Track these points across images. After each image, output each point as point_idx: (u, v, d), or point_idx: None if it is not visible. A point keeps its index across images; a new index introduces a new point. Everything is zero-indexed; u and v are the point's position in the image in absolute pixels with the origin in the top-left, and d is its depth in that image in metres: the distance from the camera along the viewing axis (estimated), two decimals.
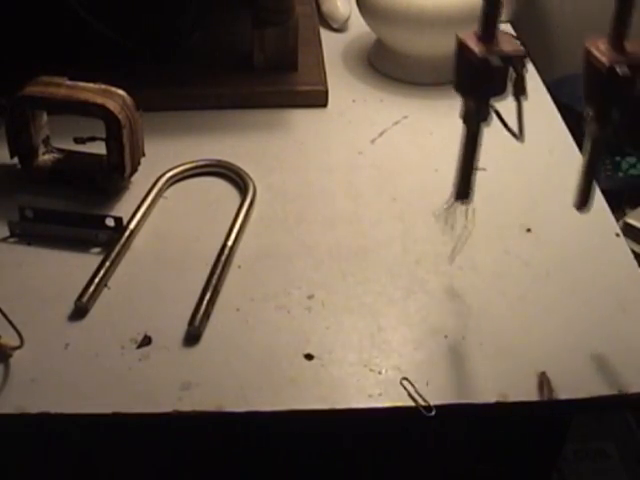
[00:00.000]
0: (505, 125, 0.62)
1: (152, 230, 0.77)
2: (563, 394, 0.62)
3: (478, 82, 0.59)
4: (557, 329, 0.68)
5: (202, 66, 0.97)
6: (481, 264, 0.74)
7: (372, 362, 0.64)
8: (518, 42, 0.59)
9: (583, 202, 0.67)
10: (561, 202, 0.82)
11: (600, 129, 0.63)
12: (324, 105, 0.95)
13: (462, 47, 0.58)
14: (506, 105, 0.62)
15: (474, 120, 0.62)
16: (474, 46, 0.58)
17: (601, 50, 0.59)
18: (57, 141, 0.84)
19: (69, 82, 0.78)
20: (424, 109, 0.94)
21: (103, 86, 0.78)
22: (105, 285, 0.70)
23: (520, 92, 0.59)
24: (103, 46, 0.92)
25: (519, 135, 0.61)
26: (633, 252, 0.76)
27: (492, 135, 0.91)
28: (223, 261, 0.71)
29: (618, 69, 0.58)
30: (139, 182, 0.81)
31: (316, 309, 0.69)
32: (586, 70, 0.61)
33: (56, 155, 0.84)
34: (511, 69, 0.59)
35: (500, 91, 0.60)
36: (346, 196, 0.81)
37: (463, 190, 0.65)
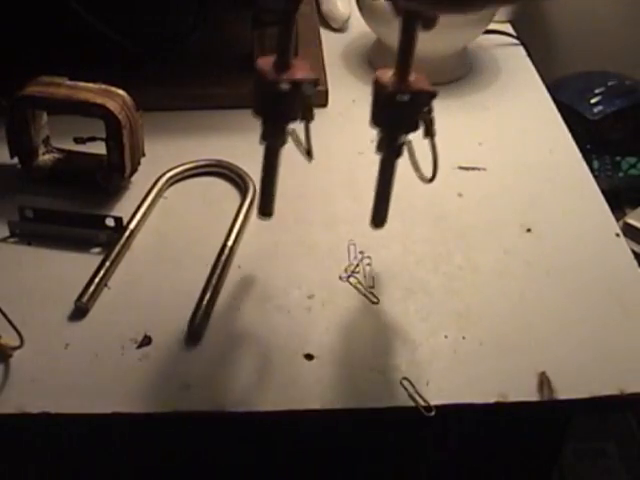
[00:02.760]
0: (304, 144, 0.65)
1: (152, 230, 0.77)
2: (563, 394, 0.62)
3: (270, 107, 0.61)
4: (557, 329, 0.68)
5: (202, 66, 0.97)
6: (481, 264, 0.74)
7: (372, 362, 0.64)
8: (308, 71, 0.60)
9: (379, 221, 0.69)
10: (561, 202, 0.82)
11: (391, 152, 0.65)
12: (324, 105, 0.95)
13: (259, 72, 0.60)
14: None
15: (271, 143, 0.63)
16: (268, 71, 0.60)
17: (386, 79, 0.62)
18: (57, 141, 0.84)
19: (69, 82, 0.78)
20: None
21: (103, 86, 0.78)
22: (105, 285, 0.70)
23: (308, 116, 0.62)
24: (103, 46, 0.92)
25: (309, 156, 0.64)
26: (633, 252, 0.76)
27: (492, 135, 0.92)
28: (223, 261, 0.71)
29: (398, 97, 0.61)
30: (139, 182, 0.81)
31: (316, 309, 0.69)
32: (374, 96, 0.63)
33: (56, 155, 0.84)
34: None
35: (293, 117, 0.62)
36: (346, 196, 0.81)
37: (262, 205, 0.67)
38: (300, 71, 0.60)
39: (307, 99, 0.61)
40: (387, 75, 0.63)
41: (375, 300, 0.70)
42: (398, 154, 0.65)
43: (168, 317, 0.67)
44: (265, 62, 0.60)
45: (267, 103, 0.61)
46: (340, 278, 0.72)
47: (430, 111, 0.63)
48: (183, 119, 0.91)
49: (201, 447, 0.69)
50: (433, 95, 0.63)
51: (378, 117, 0.64)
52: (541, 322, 0.68)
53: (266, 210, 0.67)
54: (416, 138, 0.63)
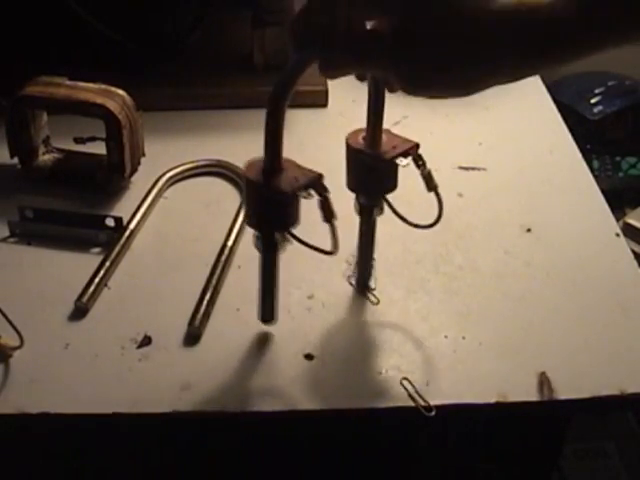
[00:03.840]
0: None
1: (152, 230, 0.77)
2: (563, 394, 0.62)
3: (273, 213, 0.58)
4: (557, 329, 0.68)
5: (202, 66, 0.97)
6: (481, 264, 0.74)
7: (372, 362, 0.64)
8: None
9: (365, 280, 0.69)
10: (561, 202, 0.82)
11: (372, 214, 0.66)
12: (324, 105, 0.95)
13: (248, 181, 0.57)
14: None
15: (269, 253, 0.61)
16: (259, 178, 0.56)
17: (361, 143, 0.62)
18: (57, 141, 0.84)
19: (69, 82, 0.78)
20: (424, 109, 0.94)
21: (103, 86, 0.78)
22: (105, 285, 0.70)
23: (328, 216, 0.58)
24: (103, 46, 0.92)
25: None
26: (633, 252, 0.76)
27: (492, 135, 0.92)
28: (223, 261, 0.71)
29: (399, 162, 0.61)
30: (139, 182, 0.81)
31: (316, 309, 0.69)
32: (351, 163, 0.63)
33: (56, 155, 0.84)
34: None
35: (292, 222, 0.59)
36: (346, 196, 0.81)
37: (264, 313, 0.64)
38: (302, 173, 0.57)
39: (325, 200, 0.58)
40: (358, 138, 0.62)
41: (375, 300, 0.70)
42: (381, 212, 0.65)
43: (168, 317, 0.67)
44: (250, 168, 0.57)
45: (270, 209, 0.58)
46: (341, 278, 0.72)
47: (425, 166, 0.62)
48: (183, 119, 0.91)
49: (201, 447, 0.69)
50: (416, 147, 0.62)
51: (358, 182, 0.64)
52: (541, 322, 0.68)
53: (269, 317, 0.65)
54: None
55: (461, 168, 0.86)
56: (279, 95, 0.54)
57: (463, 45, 0.47)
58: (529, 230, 0.78)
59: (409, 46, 0.48)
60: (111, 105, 0.76)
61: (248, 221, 0.60)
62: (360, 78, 0.58)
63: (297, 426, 0.65)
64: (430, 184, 0.63)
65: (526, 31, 0.46)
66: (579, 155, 0.89)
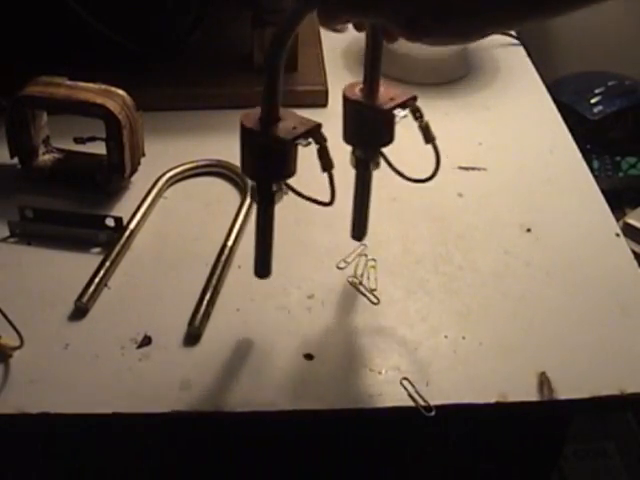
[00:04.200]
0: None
1: (152, 230, 0.77)
2: (563, 394, 0.62)
3: (263, 162, 0.58)
4: (557, 329, 0.68)
5: (202, 66, 0.97)
6: (481, 264, 0.74)
7: (372, 362, 0.64)
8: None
9: (360, 234, 0.70)
10: (561, 202, 0.82)
11: (368, 167, 0.65)
12: (324, 105, 0.94)
13: (244, 130, 0.57)
14: None
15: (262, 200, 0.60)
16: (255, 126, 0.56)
17: (361, 96, 0.61)
18: (57, 141, 0.84)
19: (69, 82, 0.78)
20: (424, 109, 0.94)
21: (103, 86, 0.78)
22: (105, 285, 0.70)
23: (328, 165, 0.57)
24: (103, 46, 0.92)
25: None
26: (633, 252, 0.76)
27: (492, 135, 0.91)
28: (223, 261, 0.71)
29: (396, 113, 0.60)
30: (139, 182, 0.81)
31: (316, 309, 0.69)
32: (350, 117, 0.62)
33: (56, 155, 0.84)
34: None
35: (289, 172, 0.58)
36: (346, 196, 0.81)
37: (260, 268, 0.64)
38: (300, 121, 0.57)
39: (324, 149, 0.57)
40: (355, 90, 0.61)
41: (375, 300, 0.70)
42: (377, 166, 0.65)
43: (168, 317, 0.67)
44: (250, 118, 0.57)
45: (267, 158, 0.57)
46: (351, 279, 0.72)
47: (422, 117, 0.62)
48: (183, 119, 0.91)
49: (201, 447, 0.69)
50: (414, 99, 0.61)
51: (355, 135, 0.63)
52: (541, 322, 0.68)
53: (264, 272, 0.64)
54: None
55: (461, 168, 0.86)
56: (278, 43, 0.53)
57: None
58: (529, 230, 0.78)
59: None
60: (111, 105, 0.76)
61: (244, 170, 0.59)
62: (358, 28, 0.58)
63: (297, 426, 0.65)
64: (428, 136, 0.62)
65: None
66: (579, 155, 0.89)
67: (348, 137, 0.64)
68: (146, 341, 0.65)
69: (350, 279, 0.71)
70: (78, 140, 0.82)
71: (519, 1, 0.48)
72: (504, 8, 0.48)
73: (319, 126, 0.56)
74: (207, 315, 0.67)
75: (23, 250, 0.74)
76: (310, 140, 0.56)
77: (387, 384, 0.62)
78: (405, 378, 0.62)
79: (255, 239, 0.62)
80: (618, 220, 0.95)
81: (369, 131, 0.63)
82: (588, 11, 0.50)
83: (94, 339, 0.65)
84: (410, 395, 0.61)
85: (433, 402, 0.61)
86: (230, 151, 0.85)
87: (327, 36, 1.09)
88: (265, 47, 0.95)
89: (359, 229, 0.70)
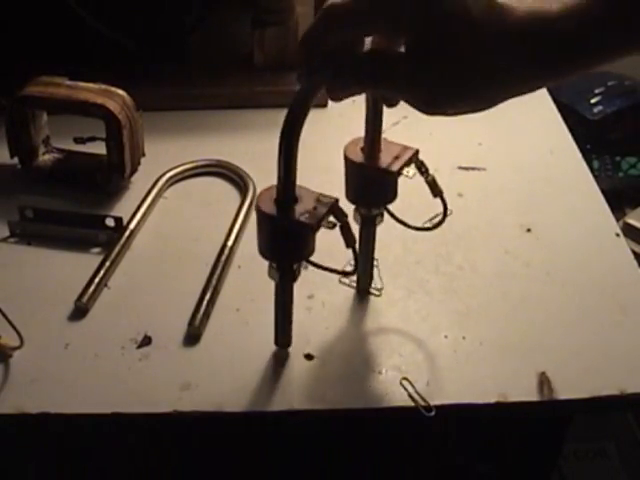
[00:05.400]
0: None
1: (152, 230, 0.77)
2: (563, 394, 0.62)
3: (284, 244, 0.56)
4: (557, 329, 0.68)
5: (202, 66, 0.97)
6: (481, 264, 0.74)
7: (372, 362, 0.64)
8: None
9: (365, 285, 0.69)
10: (561, 202, 0.82)
11: (372, 223, 0.65)
12: (324, 105, 0.94)
13: (262, 214, 0.54)
14: None
15: (284, 283, 0.60)
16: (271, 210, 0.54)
17: (360, 155, 0.60)
18: (57, 141, 0.84)
19: (69, 82, 0.78)
20: None
21: (103, 86, 0.78)
22: (105, 285, 0.70)
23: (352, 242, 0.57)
24: (103, 46, 0.92)
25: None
26: (633, 252, 0.76)
27: (492, 135, 0.91)
28: (223, 261, 0.71)
29: (405, 174, 0.60)
30: (139, 182, 0.81)
31: (316, 309, 0.69)
32: (350, 175, 0.62)
33: (56, 155, 0.84)
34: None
35: (310, 252, 0.57)
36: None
37: (281, 338, 0.64)
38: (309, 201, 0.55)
39: (346, 226, 0.56)
40: (357, 150, 0.60)
41: (377, 293, 0.70)
42: (381, 221, 0.65)
43: (168, 317, 0.67)
44: (266, 199, 0.55)
45: (287, 241, 0.56)
46: (344, 279, 0.72)
47: (428, 172, 0.61)
48: (183, 119, 0.91)
49: (201, 447, 0.69)
50: (417, 154, 0.61)
51: (358, 194, 0.62)
52: (541, 322, 0.68)
53: (285, 342, 0.64)
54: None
55: (461, 168, 0.86)
56: (292, 123, 0.51)
57: (480, 62, 0.46)
58: (529, 230, 0.78)
59: (425, 65, 0.47)
60: (111, 105, 0.76)
61: (262, 252, 0.57)
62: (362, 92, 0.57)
63: (297, 426, 0.65)
64: (435, 190, 0.62)
65: (541, 43, 0.46)
66: (579, 155, 0.88)
67: (351, 196, 0.63)
68: (146, 341, 0.65)
69: (348, 277, 0.71)
70: (78, 140, 0.83)
71: (536, 62, 0.47)
72: (520, 70, 0.47)
73: (337, 202, 0.55)
74: (207, 315, 0.67)
75: (23, 250, 0.74)
76: (335, 222, 0.55)
77: (387, 384, 0.62)
78: (405, 378, 0.62)
79: (275, 311, 0.62)
80: (618, 220, 0.95)
81: (374, 191, 0.62)
82: None
83: (94, 339, 0.65)
84: (410, 395, 0.61)
85: (433, 402, 0.61)
86: (230, 151, 0.86)
87: None
88: (265, 47, 0.95)
89: (364, 281, 0.69)
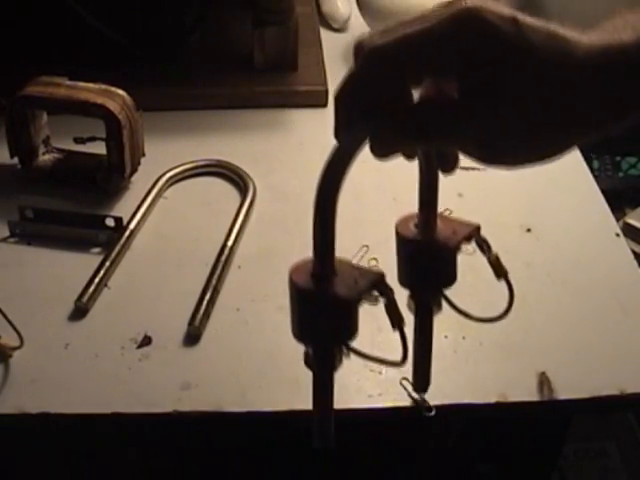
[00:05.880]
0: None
1: (152, 230, 0.77)
2: (563, 394, 0.62)
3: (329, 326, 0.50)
4: (557, 329, 0.68)
5: (202, 66, 0.97)
6: (481, 264, 0.74)
7: (372, 362, 0.64)
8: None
9: (424, 386, 0.61)
10: (561, 202, 0.82)
11: (428, 311, 0.58)
12: (324, 105, 0.94)
13: (297, 289, 0.49)
14: None
15: (324, 369, 0.52)
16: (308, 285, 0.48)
17: (414, 231, 0.54)
18: (57, 141, 0.84)
19: (69, 82, 0.78)
20: None
21: (103, 86, 0.78)
22: (105, 285, 0.70)
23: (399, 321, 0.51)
24: (103, 46, 0.92)
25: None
26: (633, 252, 0.76)
27: None
28: (223, 261, 0.71)
29: (465, 251, 0.54)
30: (139, 182, 0.81)
31: None
32: (405, 257, 0.55)
33: (56, 155, 0.84)
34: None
35: (352, 332, 0.50)
36: (346, 196, 0.81)
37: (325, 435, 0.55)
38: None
39: (392, 302, 0.50)
40: (410, 226, 0.54)
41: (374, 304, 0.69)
42: (439, 308, 0.58)
43: (168, 317, 0.67)
44: (301, 272, 0.49)
45: (327, 320, 0.49)
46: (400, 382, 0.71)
47: (490, 250, 0.55)
48: (183, 119, 0.91)
49: (201, 447, 0.69)
50: (478, 230, 0.55)
51: (413, 276, 0.56)
52: (541, 322, 0.68)
53: (325, 443, 0.55)
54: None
55: (461, 168, 0.85)
56: (328, 188, 0.46)
57: (545, 100, 0.41)
58: (529, 230, 0.78)
59: (494, 107, 0.41)
60: (111, 105, 0.76)
61: (296, 334, 0.50)
62: (409, 156, 0.51)
63: (297, 426, 0.65)
64: (499, 270, 0.56)
65: (615, 76, 0.41)
66: (579, 155, 0.88)
67: (405, 279, 0.56)
68: (146, 341, 0.65)
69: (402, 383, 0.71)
70: (78, 140, 0.82)
71: (606, 107, 0.42)
72: (588, 116, 0.42)
73: (382, 276, 0.49)
74: (207, 315, 0.67)
75: (23, 250, 0.74)
76: (378, 295, 0.49)
77: (387, 384, 0.62)
78: (405, 378, 0.62)
79: (313, 406, 0.54)
80: (618, 220, 0.95)
81: (430, 271, 0.55)
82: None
83: (94, 339, 0.65)
84: (410, 395, 0.61)
85: (433, 402, 0.61)
86: (230, 151, 0.86)
87: (327, 36, 1.09)
88: (265, 47, 0.95)
89: (422, 379, 0.61)
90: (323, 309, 0.48)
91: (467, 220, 0.55)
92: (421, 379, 0.60)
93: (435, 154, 0.50)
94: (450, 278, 0.56)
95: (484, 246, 0.56)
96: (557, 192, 0.83)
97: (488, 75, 0.41)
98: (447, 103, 0.43)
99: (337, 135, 0.45)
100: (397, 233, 0.54)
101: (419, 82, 0.44)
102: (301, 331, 0.50)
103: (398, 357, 0.66)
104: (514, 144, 0.43)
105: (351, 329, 0.50)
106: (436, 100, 0.44)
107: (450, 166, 0.50)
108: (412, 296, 0.57)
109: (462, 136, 0.43)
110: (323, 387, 0.53)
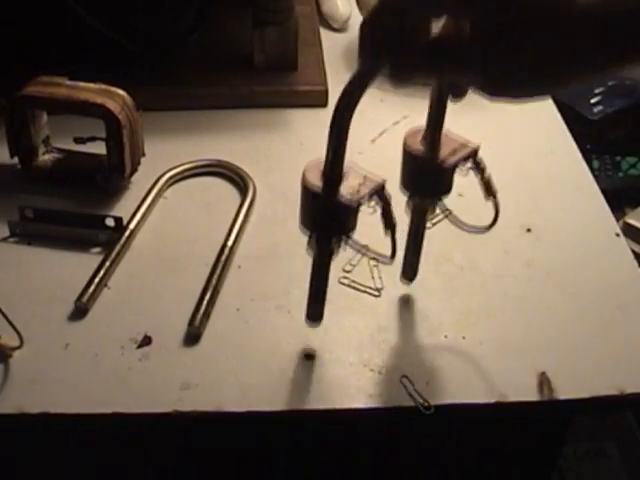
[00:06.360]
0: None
1: (152, 230, 0.77)
2: (563, 394, 0.62)
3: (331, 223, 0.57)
4: (557, 329, 0.68)
5: (202, 66, 0.97)
6: (481, 264, 0.74)
7: (372, 362, 0.64)
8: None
9: (412, 274, 0.69)
10: (561, 202, 0.82)
11: (424, 214, 0.65)
12: (324, 105, 0.94)
13: (306, 188, 0.55)
14: None
15: (323, 256, 0.60)
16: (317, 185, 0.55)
17: (421, 149, 0.60)
18: (57, 141, 0.84)
19: (69, 82, 0.78)
20: (424, 109, 0.93)
21: (103, 86, 0.78)
22: (105, 285, 0.70)
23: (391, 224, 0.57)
24: (103, 46, 0.92)
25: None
26: (633, 252, 0.76)
27: (492, 135, 0.91)
28: (223, 261, 0.71)
29: (460, 170, 0.61)
30: (139, 182, 0.81)
31: None
32: (408, 165, 0.61)
33: (56, 155, 0.84)
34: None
35: (350, 229, 0.57)
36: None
37: (312, 311, 0.64)
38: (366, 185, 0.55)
39: (387, 209, 0.57)
40: (416, 140, 0.60)
41: (377, 294, 0.70)
42: (432, 214, 0.65)
43: (168, 317, 0.67)
44: (312, 172, 0.55)
45: (329, 217, 0.56)
46: (343, 280, 0.72)
47: (484, 172, 0.61)
48: (183, 119, 0.91)
49: (201, 447, 0.69)
50: (476, 152, 0.61)
51: (413, 184, 0.62)
52: (541, 322, 0.68)
53: (316, 317, 0.64)
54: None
55: (461, 169, 0.86)
56: (348, 101, 0.51)
57: (552, 47, 0.46)
58: (529, 230, 0.78)
59: (500, 47, 0.46)
60: (111, 105, 0.76)
61: (303, 223, 0.58)
62: (424, 84, 0.56)
63: (297, 426, 0.65)
64: (489, 190, 0.62)
65: (620, 21, 0.45)
66: (579, 155, 0.88)
67: (406, 185, 0.63)
68: (146, 341, 0.65)
69: (349, 273, 0.71)
70: (78, 140, 0.82)
71: (614, 43, 0.46)
72: (596, 51, 0.46)
73: (383, 186, 0.56)
74: (207, 315, 0.67)
75: (23, 250, 0.74)
76: (375, 205, 0.55)
77: (387, 384, 0.62)
78: (404, 376, 0.62)
79: (310, 285, 0.62)
80: (618, 220, 0.95)
81: (429, 182, 0.62)
82: None
83: (94, 339, 0.65)
84: (409, 393, 0.61)
85: (433, 402, 0.61)
86: (230, 151, 0.86)
87: (327, 36, 1.09)
88: (265, 47, 0.95)
89: (410, 270, 0.69)
90: (325, 208, 0.55)
91: (468, 141, 0.61)
92: (409, 270, 0.69)
93: (448, 82, 0.55)
94: (445, 189, 0.63)
95: (478, 167, 0.61)
96: (557, 192, 0.83)
97: (496, 18, 0.46)
98: (458, 41, 0.48)
99: (360, 60, 0.50)
100: (404, 143, 0.60)
101: (438, 16, 0.49)
102: (305, 220, 0.57)
103: (395, 356, 0.66)
104: (517, 80, 0.48)
105: (349, 226, 0.56)
106: (450, 37, 0.48)
107: (460, 94, 0.54)
108: (410, 199, 0.64)
109: (470, 72, 0.48)
110: (319, 270, 0.60)
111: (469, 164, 0.61)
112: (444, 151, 0.60)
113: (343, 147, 0.53)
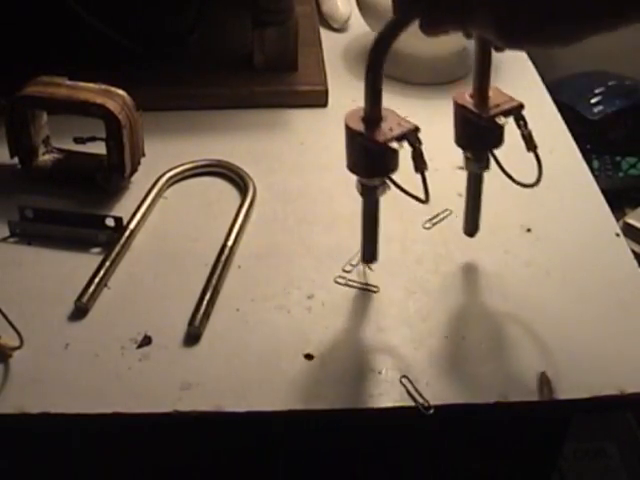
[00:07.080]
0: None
1: (152, 230, 0.77)
2: (563, 394, 0.62)
3: (371, 163, 0.62)
4: (557, 329, 0.68)
5: (202, 66, 0.97)
6: (481, 264, 0.74)
7: (372, 362, 0.64)
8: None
9: (473, 230, 0.73)
10: (561, 202, 0.82)
11: (478, 168, 0.69)
12: (324, 105, 0.95)
13: (348, 129, 0.61)
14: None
15: (369, 196, 0.64)
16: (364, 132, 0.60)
17: (470, 102, 0.65)
18: (57, 141, 0.84)
19: (69, 82, 0.78)
20: (424, 109, 0.94)
21: (103, 86, 0.78)
22: (105, 285, 0.70)
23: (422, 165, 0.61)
24: (103, 46, 0.92)
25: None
26: (633, 252, 0.76)
27: None
28: (223, 261, 0.71)
29: (497, 120, 0.64)
30: (139, 182, 0.81)
31: (316, 309, 0.69)
32: (460, 120, 0.66)
33: (56, 155, 0.84)
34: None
35: (390, 169, 0.61)
36: (346, 196, 0.81)
37: (367, 252, 0.69)
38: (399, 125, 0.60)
39: (418, 151, 0.61)
40: (466, 97, 0.65)
41: (375, 290, 0.70)
42: (487, 168, 0.69)
43: (168, 317, 0.67)
44: (354, 117, 0.61)
45: (368, 157, 0.61)
46: (339, 279, 0.72)
47: (526, 126, 0.65)
48: (183, 119, 0.91)
49: (201, 447, 0.69)
50: (521, 107, 0.64)
51: (464, 137, 0.67)
52: (541, 322, 0.68)
53: (371, 258, 0.69)
54: None
55: (461, 168, 0.85)
56: (379, 50, 0.56)
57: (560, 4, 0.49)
58: (529, 230, 0.78)
59: (508, 6, 0.50)
60: (111, 105, 0.76)
61: (349, 166, 0.62)
62: (467, 36, 0.60)
63: (297, 426, 0.65)
64: (530, 144, 0.65)
65: None
66: (579, 155, 0.88)
67: (458, 139, 0.67)
68: (146, 341, 0.65)
69: (349, 272, 0.71)
70: (78, 140, 0.82)
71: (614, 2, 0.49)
72: (601, 9, 0.49)
73: (416, 129, 0.60)
74: (207, 315, 0.67)
75: (23, 250, 0.74)
76: (402, 144, 0.59)
77: (387, 384, 0.63)
78: (404, 376, 0.62)
79: (362, 228, 0.67)
80: (618, 220, 0.95)
81: (477, 135, 0.66)
82: None
83: (94, 339, 0.65)
84: (409, 393, 0.61)
85: (433, 402, 0.61)
86: (230, 151, 0.86)
87: (327, 36, 1.09)
88: (265, 47, 0.95)
89: (472, 225, 0.73)
90: (362, 149, 0.60)
91: (514, 99, 0.65)
92: (471, 224, 0.73)
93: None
94: (495, 142, 0.67)
95: (520, 121, 0.65)
96: (557, 192, 0.83)
97: None
98: None
99: (395, 11, 0.56)
100: (454, 100, 0.65)
101: None
102: (350, 164, 0.62)
103: (395, 356, 0.66)
104: (523, 24, 0.51)
105: (389, 166, 0.61)
106: None
107: (502, 48, 0.58)
108: (465, 153, 0.68)
109: (492, 18, 0.52)
110: (369, 210, 0.65)
111: (508, 119, 0.64)
112: (490, 104, 0.64)
113: (379, 91, 0.58)
